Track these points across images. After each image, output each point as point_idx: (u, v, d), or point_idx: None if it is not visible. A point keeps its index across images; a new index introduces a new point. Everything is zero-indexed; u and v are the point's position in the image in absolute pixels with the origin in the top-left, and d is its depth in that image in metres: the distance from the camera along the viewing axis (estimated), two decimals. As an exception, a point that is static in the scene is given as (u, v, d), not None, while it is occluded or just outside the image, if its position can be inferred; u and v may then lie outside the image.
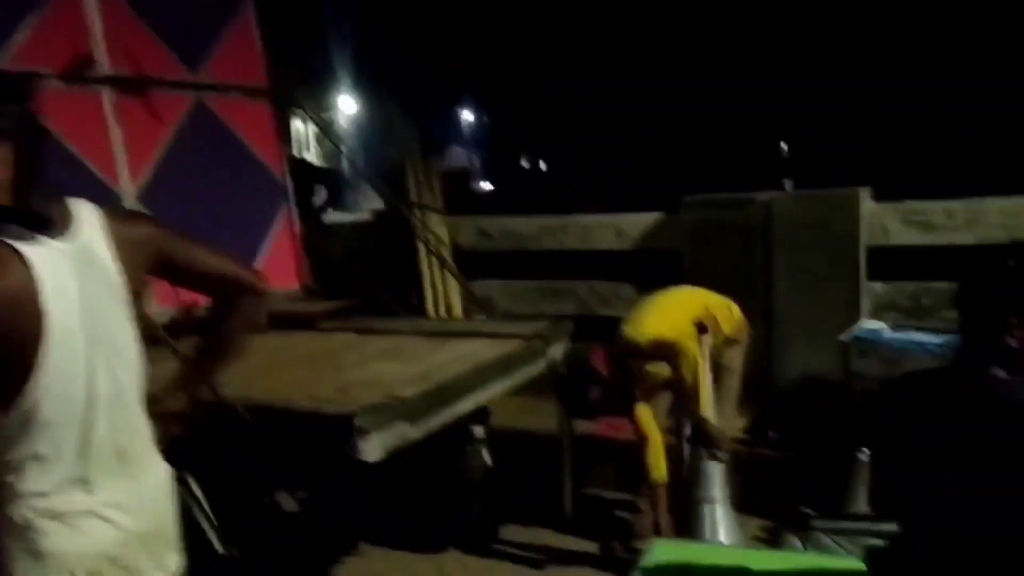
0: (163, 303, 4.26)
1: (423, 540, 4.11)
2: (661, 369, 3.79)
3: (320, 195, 7.11)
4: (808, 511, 3.99)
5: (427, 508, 4.19)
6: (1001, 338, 2.01)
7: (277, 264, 4.91)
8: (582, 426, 4.72)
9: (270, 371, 3.51)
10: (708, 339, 3.66)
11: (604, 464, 4.68)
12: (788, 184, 5.11)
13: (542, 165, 31.82)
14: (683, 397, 3.58)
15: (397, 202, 5.21)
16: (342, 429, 2.72)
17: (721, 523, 3.46)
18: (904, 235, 4.46)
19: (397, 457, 3.06)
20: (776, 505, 4.14)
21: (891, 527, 2.29)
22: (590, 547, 4.09)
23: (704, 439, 3.45)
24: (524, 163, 31.98)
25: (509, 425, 4.96)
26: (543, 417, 4.79)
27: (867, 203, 4.59)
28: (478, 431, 4.39)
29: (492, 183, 22.41)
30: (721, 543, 3.34)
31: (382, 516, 4.25)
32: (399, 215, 5.22)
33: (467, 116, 31.41)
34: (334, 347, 3.85)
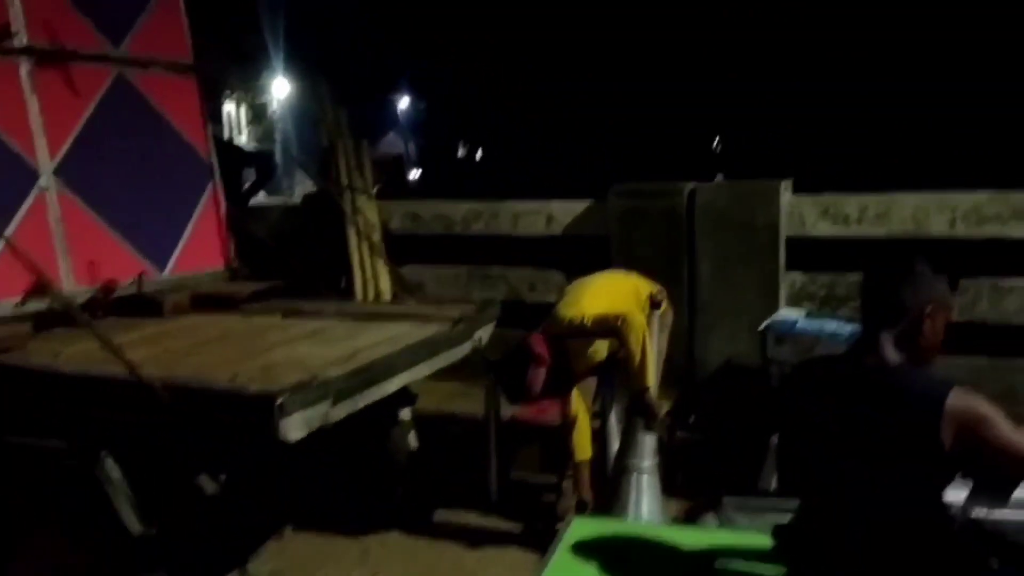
0: (80, 282, 4.17)
1: (347, 523, 4.12)
2: (599, 348, 3.87)
3: (249, 178, 6.99)
4: (723, 492, 4.15)
5: (351, 491, 4.18)
6: (909, 324, 2.11)
7: (202, 243, 4.83)
8: (507, 410, 4.78)
9: (192, 352, 3.47)
10: (657, 314, 3.76)
11: (529, 447, 4.74)
12: (720, 177, 5.24)
13: (478, 154, 31.83)
14: (625, 370, 3.61)
15: (325, 184, 5.17)
16: (264, 409, 2.71)
17: (646, 492, 3.54)
18: (821, 227, 4.61)
19: (322, 439, 3.07)
20: (695, 486, 4.28)
21: (794, 504, 2.39)
22: (515, 527, 4.16)
23: (643, 409, 3.51)
24: (460, 151, 31.94)
25: (436, 409, 4.99)
26: (470, 401, 4.83)
27: (787, 195, 4.74)
28: (404, 413, 4.41)
29: (426, 171, 22.31)
30: (643, 514, 3.42)
31: (306, 498, 4.24)
32: (329, 198, 5.17)
33: (404, 103, 31.13)
34: (258, 328, 3.82)
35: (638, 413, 3.52)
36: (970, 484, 2.29)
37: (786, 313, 4.43)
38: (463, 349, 3.81)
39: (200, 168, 4.86)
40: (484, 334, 3.98)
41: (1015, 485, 2.20)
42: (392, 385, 3.25)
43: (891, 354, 2.07)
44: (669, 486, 4.41)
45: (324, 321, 3.87)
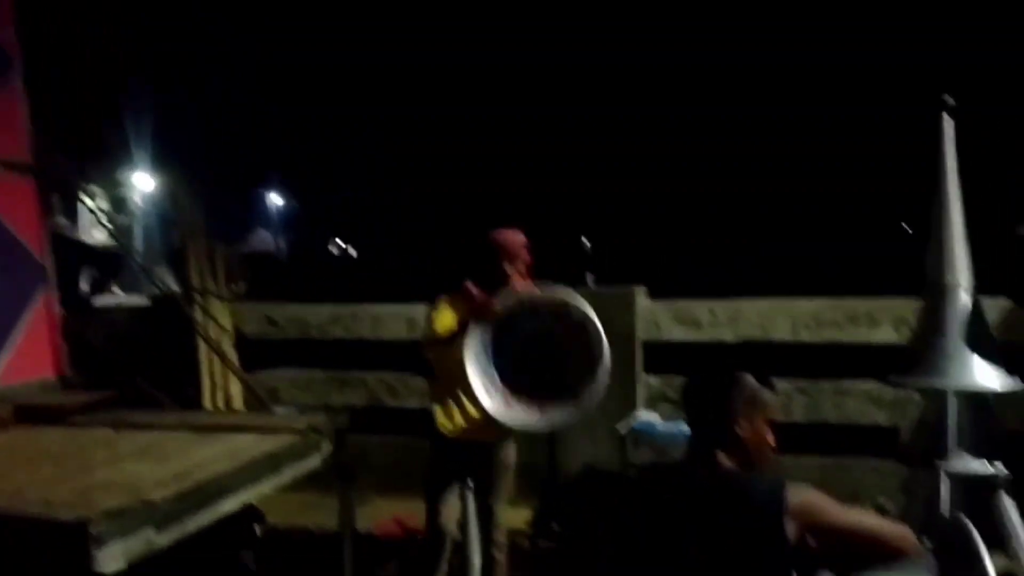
0: None
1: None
2: None
3: (90, 277, 6.62)
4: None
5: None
6: (729, 428, 2.15)
7: (30, 351, 4.46)
8: (364, 523, 4.58)
9: (7, 472, 3.14)
10: None
11: (388, 562, 4.54)
12: (590, 279, 5.33)
13: (352, 251, 31.64)
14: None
15: (165, 287, 4.94)
16: (76, 538, 2.45)
17: None
18: (675, 331, 4.74)
19: (149, 567, 2.80)
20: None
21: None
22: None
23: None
24: (333, 249, 31.68)
25: (288, 523, 4.74)
26: (324, 512, 4.61)
27: (643, 300, 4.85)
28: (252, 532, 4.14)
29: (297, 269, 21.92)
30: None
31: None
32: (178, 300, 4.94)
33: (275, 199, 30.75)
34: (85, 444, 3.50)
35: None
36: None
37: (644, 416, 4.47)
38: (312, 461, 3.61)
39: (32, 270, 4.53)
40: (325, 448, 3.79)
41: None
42: (228, 505, 3.02)
43: (723, 461, 2.11)
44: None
45: (159, 435, 3.59)
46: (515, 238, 3.66)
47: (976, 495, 2.84)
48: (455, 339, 3.47)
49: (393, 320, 5.18)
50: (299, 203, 29.82)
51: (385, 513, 4.80)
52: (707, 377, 2.23)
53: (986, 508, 2.63)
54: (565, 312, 3.50)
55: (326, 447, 3.73)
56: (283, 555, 4.58)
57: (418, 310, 5.18)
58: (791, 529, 1.98)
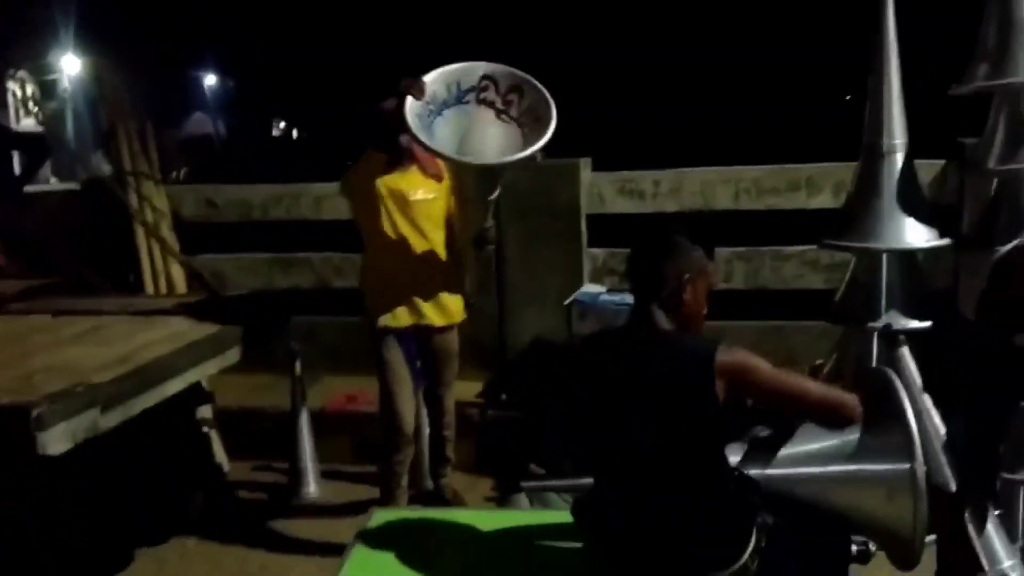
0: None
1: (141, 535, 3.84)
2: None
3: (19, 162, 6.36)
4: (537, 469, 4.21)
5: (143, 500, 3.90)
6: (669, 293, 2.20)
7: (-41, 240, 4.34)
8: (316, 400, 4.64)
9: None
10: None
11: (341, 437, 4.62)
12: (539, 155, 5.27)
13: (295, 133, 30.80)
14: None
15: (95, 171, 4.79)
16: (18, 421, 2.45)
17: None
18: (619, 203, 4.74)
19: (105, 447, 2.82)
20: (508, 465, 4.32)
21: (588, 481, 2.44)
22: (327, 523, 4.02)
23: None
24: (276, 131, 30.77)
25: (240, 404, 4.78)
26: (277, 394, 4.66)
27: (587, 173, 4.83)
28: (201, 412, 4.18)
29: (238, 151, 21.29)
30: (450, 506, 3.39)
31: (92, 512, 3.92)
32: (109, 185, 4.79)
33: (212, 81, 29.45)
34: (23, 331, 3.46)
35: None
36: (744, 446, 2.41)
37: (589, 289, 4.53)
38: (258, 343, 3.63)
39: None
40: (281, 326, 3.80)
41: (784, 439, 2.37)
42: (173, 386, 3.04)
43: (662, 323, 2.17)
44: (480, 465, 4.45)
45: (100, 320, 3.57)
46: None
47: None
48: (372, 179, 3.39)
49: (336, 199, 5.08)
50: (238, 84, 28.67)
51: (336, 391, 4.86)
52: (648, 244, 2.25)
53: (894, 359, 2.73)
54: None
55: (275, 327, 3.74)
56: (238, 435, 4.65)
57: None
58: (720, 386, 2.05)
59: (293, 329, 4.39)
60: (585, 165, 4.84)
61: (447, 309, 3.60)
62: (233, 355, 3.44)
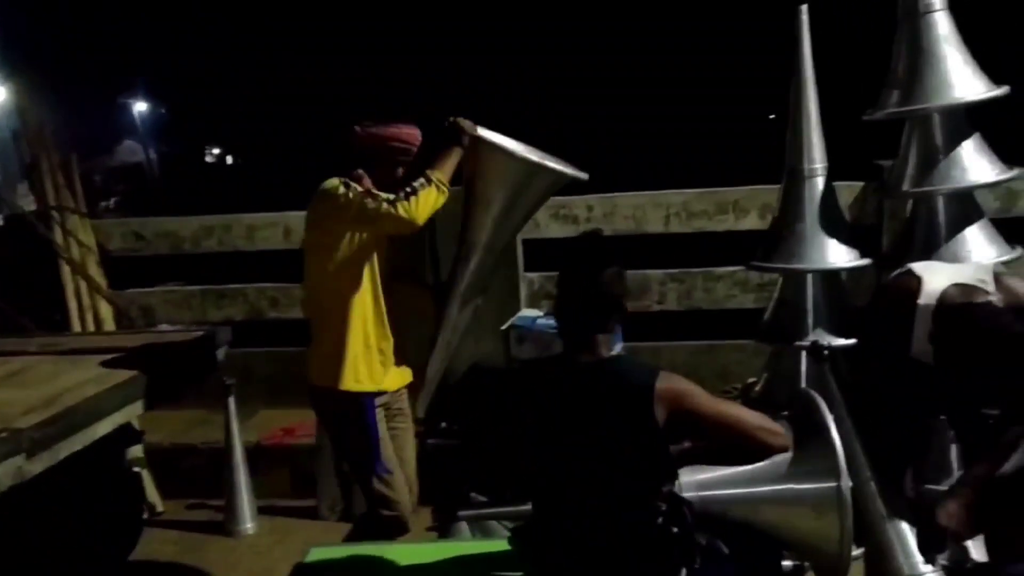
0: None
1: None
2: None
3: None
4: (477, 497, 4.19)
5: (74, 545, 3.78)
6: (605, 316, 2.25)
7: None
8: (251, 434, 4.57)
9: None
10: None
11: (279, 470, 4.56)
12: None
13: (229, 159, 30.31)
14: None
15: (15, 207, 4.66)
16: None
17: None
18: (553, 228, 4.79)
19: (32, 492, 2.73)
20: (447, 495, 4.30)
21: (526, 508, 2.46)
22: (265, 559, 3.96)
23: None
24: (209, 157, 30.24)
25: (172, 441, 4.68)
26: (211, 428, 4.58)
27: (521, 198, 4.87)
28: (133, 452, 4.08)
29: (171, 178, 20.88)
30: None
31: (20, 560, 3.78)
32: (31, 220, 4.66)
33: (142, 107, 28.86)
34: (-59, 375, 3.33)
35: None
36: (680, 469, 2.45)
37: (527, 313, 4.56)
38: (191, 378, 3.55)
39: None
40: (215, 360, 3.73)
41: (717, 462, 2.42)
42: (102, 428, 2.96)
43: (602, 349, 2.21)
44: (421, 495, 4.41)
45: (23, 361, 3.45)
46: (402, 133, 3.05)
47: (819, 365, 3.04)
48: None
49: (269, 229, 5.03)
50: (169, 110, 28.16)
51: (272, 424, 4.79)
52: (592, 272, 2.28)
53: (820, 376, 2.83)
54: None
55: (206, 363, 3.67)
56: (171, 472, 4.54)
57: (294, 217, 5.05)
58: (659, 412, 2.12)
59: (226, 362, 4.32)
60: (520, 191, 4.88)
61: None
62: (163, 392, 3.36)
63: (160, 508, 4.43)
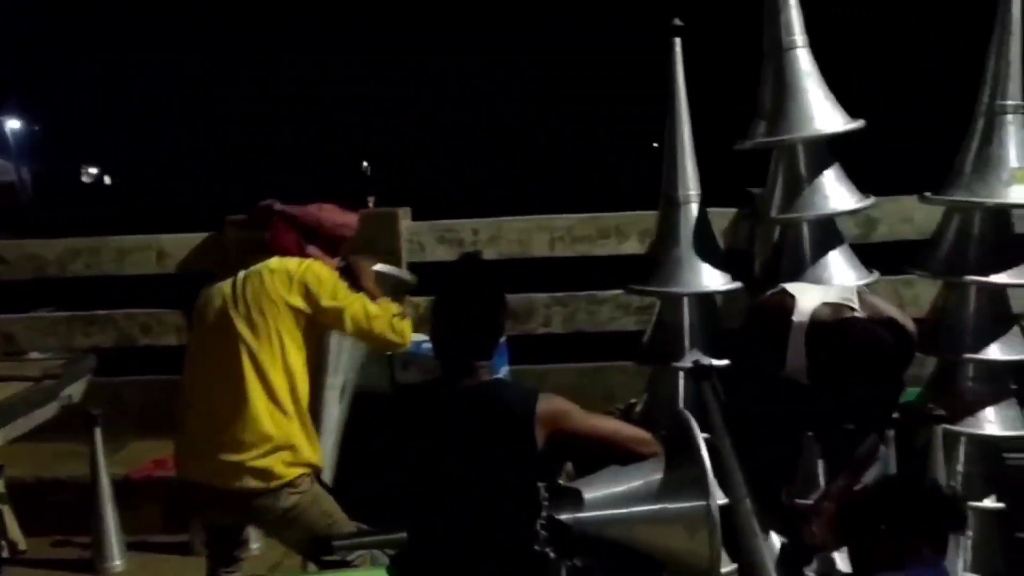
0: None
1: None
2: None
3: None
4: (361, 526, 4.11)
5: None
6: (485, 339, 2.26)
7: None
8: (121, 467, 4.36)
9: None
10: None
11: (150, 505, 4.35)
12: (371, 202, 5.25)
13: (107, 179, 29.10)
14: None
15: None
16: None
17: None
18: (439, 252, 4.78)
19: None
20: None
21: (401, 535, 2.42)
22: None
23: None
24: (86, 177, 28.97)
25: (35, 475, 4.42)
26: (77, 461, 4.33)
27: (406, 222, 4.85)
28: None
29: (42, 200, 19.91)
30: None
31: None
32: None
33: (14, 125, 27.45)
34: None
35: None
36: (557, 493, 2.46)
37: (411, 338, 4.51)
38: (49, 410, 3.36)
39: None
40: (76, 391, 3.54)
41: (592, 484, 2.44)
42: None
43: (483, 373, 2.21)
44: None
45: None
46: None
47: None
48: None
49: (141, 252, 4.83)
50: (43, 127, 26.86)
51: (143, 456, 4.58)
52: (474, 298, 2.28)
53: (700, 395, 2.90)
54: None
55: (67, 393, 3.49)
56: (34, 508, 4.28)
57: (167, 241, 4.87)
58: (540, 434, 2.15)
59: (94, 391, 4.11)
60: (404, 214, 4.86)
61: None
62: (25, 424, 3.17)
63: (22, 546, 4.16)
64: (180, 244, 4.84)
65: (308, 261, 2.78)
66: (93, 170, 28.34)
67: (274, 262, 2.77)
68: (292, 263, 2.76)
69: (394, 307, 2.86)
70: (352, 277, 2.89)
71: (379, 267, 3.22)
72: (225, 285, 2.78)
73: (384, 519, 3.84)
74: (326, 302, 2.71)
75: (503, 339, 2.33)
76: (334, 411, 3.39)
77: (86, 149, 26.55)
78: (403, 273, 3.56)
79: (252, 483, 2.66)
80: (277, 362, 2.69)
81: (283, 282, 2.72)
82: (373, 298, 2.86)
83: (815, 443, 3.28)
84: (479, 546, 2.18)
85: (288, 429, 2.71)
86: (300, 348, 2.74)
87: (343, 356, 3.45)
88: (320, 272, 2.75)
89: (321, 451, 2.89)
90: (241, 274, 2.77)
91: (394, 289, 3.36)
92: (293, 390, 2.73)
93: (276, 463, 2.68)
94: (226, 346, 2.70)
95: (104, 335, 4.85)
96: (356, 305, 2.76)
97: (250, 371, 2.67)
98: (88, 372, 3.58)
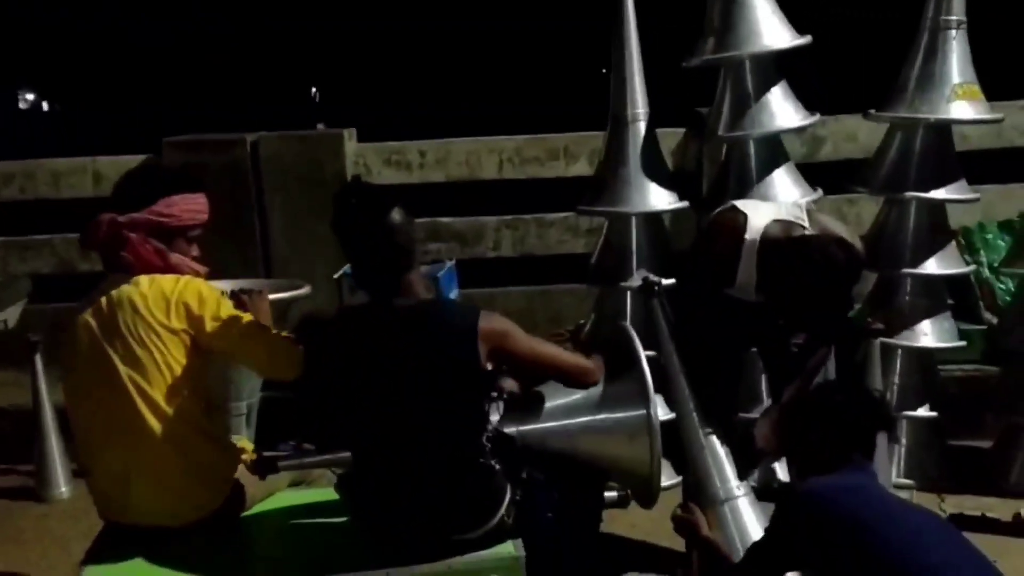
0: None
1: None
2: None
3: None
4: (308, 447, 4.12)
5: None
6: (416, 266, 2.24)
7: None
8: (62, 395, 4.28)
9: None
10: None
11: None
12: (321, 126, 5.16)
13: (46, 105, 28.09)
14: None
15: None
16: None
17: None
18: (386, 174, 4.70)
19: None
20: (268, 447, 4.19)
21: (346, 455, 2.43)
22: (84, 527, 3.73)
23: None
24: (23, 103, 27.94)
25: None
26: (17, 390, 4.26)
27: (351, 144, 4.75)
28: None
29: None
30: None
31: None
32: None
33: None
34: None
35: None
36: (502, 406, 2.49)
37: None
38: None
39: None
40: (11, 315, 3.45)
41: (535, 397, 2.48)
42: None
43: (420, 291, 2.19)
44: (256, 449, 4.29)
45: None
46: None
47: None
48: None
49: (77, 176, 4.68)
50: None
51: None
52: (390, 220, 2.21)
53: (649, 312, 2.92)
54: None
55: (1, 318, 3.40)
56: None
57: (104, 163, 4.72)
58: (482, 351, 2.14)
59: (33, 318, 4.01)
60: (350, 136, 4.76)
61: None
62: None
63: (-38, 477, 4.09)
64: (117, 166, 4.67)
65: (185, 278, 2.39)
66: (30, 96, 27.32)
67: (144, 284, 2.35)
68: (167, 282, 2.36)
69: (283, 333, 2.53)
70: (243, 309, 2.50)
71: (273, 296, 2.99)
72: (88, 318, 2.37)
73: (333, 441, 3.88)
74: (210, 323, 2.35)
75: (424, 250, 2.26)
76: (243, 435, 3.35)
77: (23, 74, 25.46)
78: (295, 292, 3.54)
79: (193, 516, 2.39)
80: (176, 396, 2.33)
81: (159, 306, 2.33)
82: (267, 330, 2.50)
83: (758, 359, 3.35)
84: (424, 462, 2.19)
85: (210, 455, 2.43)
86: (197, 372, 2.39)
87: (245, 382, 3.45)
88: (200, 288, 2.39)
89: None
90: (103, 301, 2.35)
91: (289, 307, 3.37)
92: (204, 411, 2.45)
93: (207, 492, 2.42)
94: (112, 393, 2.32)
95: (41, 260, 4.73)
96: (245, 321, 2.41)
97: (150, 417, 2.31)
98: (23, 296, 3.48)
